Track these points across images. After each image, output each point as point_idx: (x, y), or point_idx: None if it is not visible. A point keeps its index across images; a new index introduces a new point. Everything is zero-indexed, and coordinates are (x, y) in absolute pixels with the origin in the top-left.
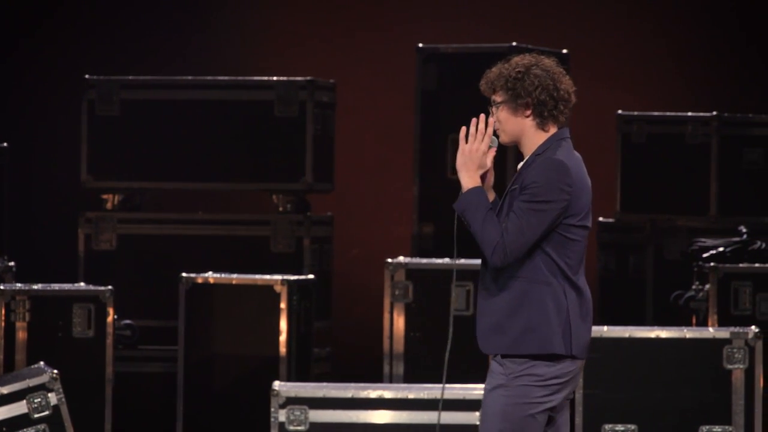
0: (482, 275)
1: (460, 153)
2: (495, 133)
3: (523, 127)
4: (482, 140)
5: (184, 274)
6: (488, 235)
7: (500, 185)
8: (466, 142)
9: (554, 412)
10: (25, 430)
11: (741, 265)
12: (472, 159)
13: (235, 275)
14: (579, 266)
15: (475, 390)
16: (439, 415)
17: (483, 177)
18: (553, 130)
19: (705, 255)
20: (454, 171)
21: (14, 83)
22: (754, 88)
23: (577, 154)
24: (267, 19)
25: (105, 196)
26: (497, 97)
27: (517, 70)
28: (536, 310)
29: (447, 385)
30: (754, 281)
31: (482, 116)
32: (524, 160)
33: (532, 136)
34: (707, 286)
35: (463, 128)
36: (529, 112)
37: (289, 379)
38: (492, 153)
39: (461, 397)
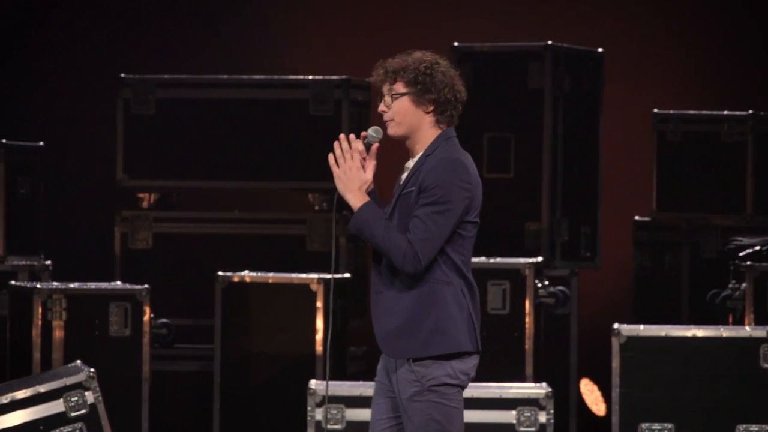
0: (375, 278)
1: (337, 179)
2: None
3: (422, 121)
4: (352, 158)
5: (220, 273)
6: (394, 245)
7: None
8: (338, 166)
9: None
10: (62, 428)
11: None
12: (350, 179)
13: (271, 274)
14: (470, 262)
15: (511, 389)
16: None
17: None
18: (443, 128)
19: (741, 254)
20: (490, 170)
21: (50, 83)
22: None
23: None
24: (303, 18)
25: (141, 195)
26: (400, 88)
27: (424, 65)
28: (442, 310)
29: (483, 384)
30: None
31: (342, 136)
32: (414, 159)
33: (426, 131)
34: (744, 285)
35: (330, 155)
36: (431, 108)
37: (325, 378)
38: (375, 148)
39: (497, 396)
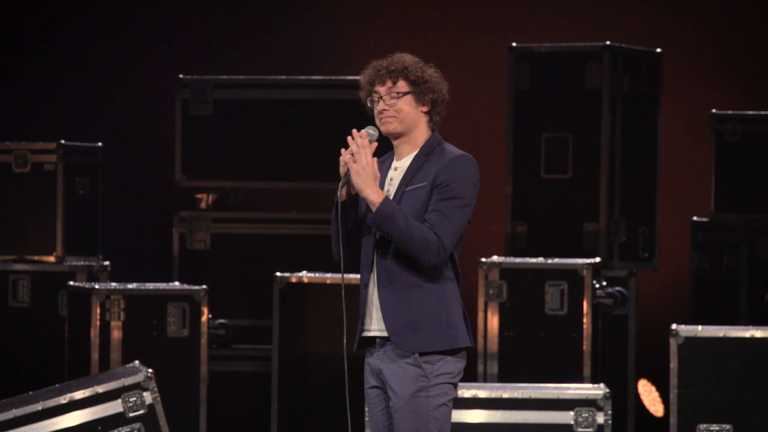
0: (380, 272)
1: (355, 174)
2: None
3: (419, 121)
4: (365, 153)
5: (278, 274)
6: (422, 237)
7: None
8: (355, 162)
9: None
10: (120, 428)
11: None
12: (367, 174)
13: (328, 274)
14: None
15: (569, 389)
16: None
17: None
18: (433, 129)
19: None
20: (548, 171)
21: (109, 84)
22: None
23: None
24: (361, 19)
25: (199, 196)
26: (403, 87)
27: (421, 65)
28: (452, 305)
29: (541, 385)
30: None
31: (354, 131)
32: (406, 158)
33: (422, 130)
34: None
35: (343, 150)
36: (427, 109)
37: None
38: (373, 147)
39: (555, 396)
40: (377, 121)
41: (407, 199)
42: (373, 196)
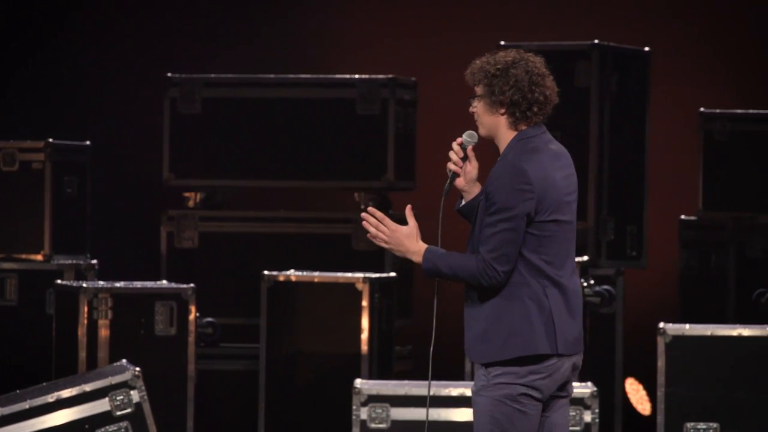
0: (466, 288)
1: (390, 250)
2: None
3: (498, 123)
4: (384, 224)
5: (266, 272)
6: (466, 271)
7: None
8: (384, 242)
9: (545, 410)
10: (107, 427)
11: None
12: (399, 243)
13: (316, 273)
14: (563, 261)
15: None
16: (428, 412)
17: (458, 176)
18: (522, 128)
19: None
20: None
21: (97, 82)
22: None
23: (551, 147)
24: (349, 17)
25: (187, 194)
26: (477, 90)
27: (497, 66)
28: (518, 313)
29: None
30: None
31: (370, 209)
32: None
33: (504, 133)
34: None
35: (369, 236)
36: (503, 110)
37: (370, 377)
38: (470, 150)
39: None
40: None
41: (480, 209)
42: (413, 257)
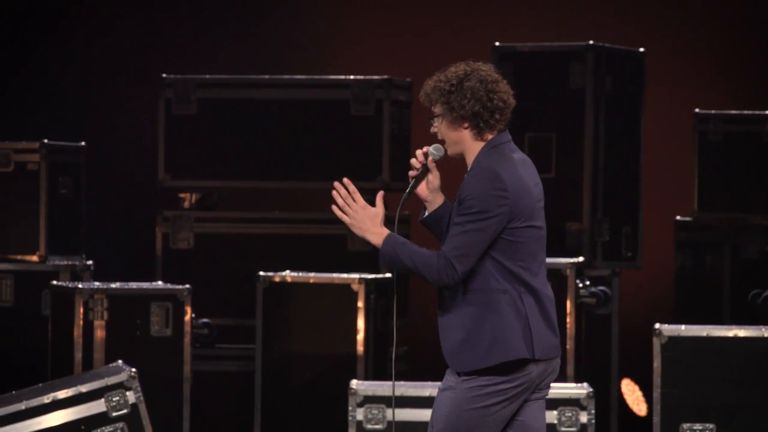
0: (437, 299)
1: (351, 226)
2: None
3: (463, 137)
4: (354, 200)
5: (261, 273)
6: (424, 264)
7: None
8: (347, 215)
9: (517, 414)
10: (103, 428)
11: None
12: (362, 221)
13: (312, 274)
14: (538, 268)
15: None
16: (393, 413)
17: (420, 181)
18: (490, 137)
19: None
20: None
21: (92, 83)
22: None
23: (518, 156)
24: (344, 18)
25: (182, 195)
26: (436, 110)
27: (450, 83)
28: (498, 320)
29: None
30: None
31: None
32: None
33: (471, 145)
34: None
35: (333, 207)
36: (467, 124)
37: (366, 378)
38: (430, 162)
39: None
40: None
41: (451, 217)
42: (373, 239)
